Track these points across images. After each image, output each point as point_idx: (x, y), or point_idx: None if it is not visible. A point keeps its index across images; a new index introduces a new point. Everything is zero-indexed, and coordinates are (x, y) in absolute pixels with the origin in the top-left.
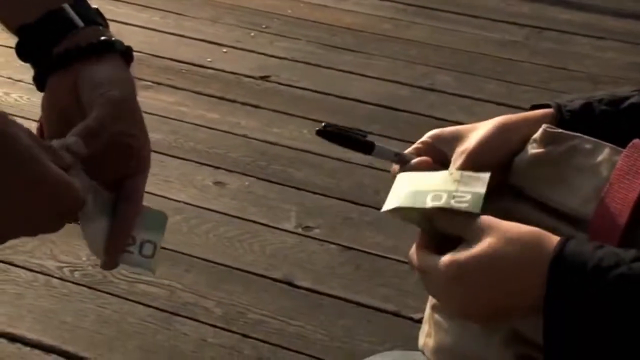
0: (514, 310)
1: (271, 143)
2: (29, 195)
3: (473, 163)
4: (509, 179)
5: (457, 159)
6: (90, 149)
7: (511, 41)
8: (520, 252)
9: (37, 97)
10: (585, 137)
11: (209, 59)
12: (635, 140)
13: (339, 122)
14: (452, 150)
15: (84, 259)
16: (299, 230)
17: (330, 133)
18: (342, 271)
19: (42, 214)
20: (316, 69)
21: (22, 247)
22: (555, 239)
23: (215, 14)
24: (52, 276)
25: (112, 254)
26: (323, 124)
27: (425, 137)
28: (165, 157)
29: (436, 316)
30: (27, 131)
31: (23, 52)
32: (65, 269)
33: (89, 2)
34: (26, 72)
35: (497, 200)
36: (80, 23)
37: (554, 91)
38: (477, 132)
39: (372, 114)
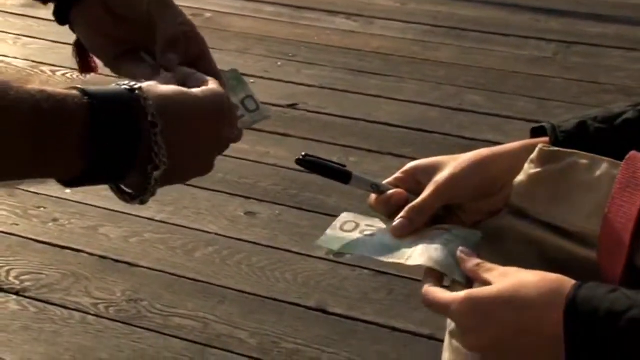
0: (529, 353)
1: (301, 171)
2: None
3: (442, 194)
4: (510, 199)
5: (428, 188)
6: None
7: (541, 57)
8: (539, 296)
9: None
10: (582, 153)
11: None
12: (632, 152)
13: (370, 147)
14: (429, 180)
15: (118, 294)
16: (331, 257)
17: (309, 162)
18: (376, 296)
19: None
20: (344, 94)
21: (57, 286)
22: (571, 283)
23: (244, 45)
24: (88, 313)
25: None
26: (303, 154)
27: (406, 167)
28: (195, 190)
29: (454, 342)
30: None
31: None
32: (100, 306)
33: None
34: None
35: (499, 219)
36: None
37: (585, 105)
38: (452, 165)
39: (403, 137)
